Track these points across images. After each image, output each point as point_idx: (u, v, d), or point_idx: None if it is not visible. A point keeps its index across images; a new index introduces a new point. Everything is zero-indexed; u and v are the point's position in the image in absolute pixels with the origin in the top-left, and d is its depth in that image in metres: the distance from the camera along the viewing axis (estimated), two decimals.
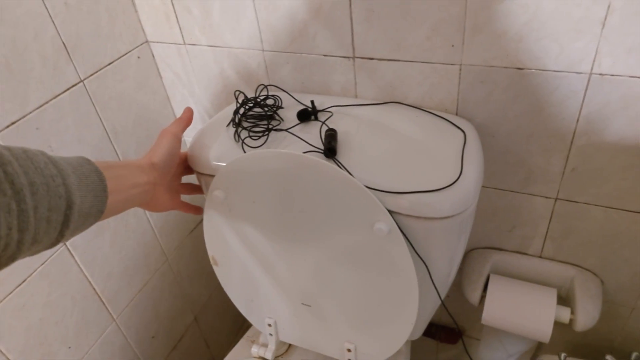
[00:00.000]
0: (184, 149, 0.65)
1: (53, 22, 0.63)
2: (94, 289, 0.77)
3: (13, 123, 0.60)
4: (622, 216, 0.65)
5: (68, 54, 0.66)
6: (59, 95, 0.66)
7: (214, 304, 1.12)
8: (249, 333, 0.81)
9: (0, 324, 0.63)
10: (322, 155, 0.58)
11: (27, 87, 0.61)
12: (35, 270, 0.66)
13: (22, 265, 0.65)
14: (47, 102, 0.64)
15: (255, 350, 0.75)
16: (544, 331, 0.68)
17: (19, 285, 0.64)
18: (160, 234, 0.90)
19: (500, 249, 0.78)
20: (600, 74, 0.54)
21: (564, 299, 0.74)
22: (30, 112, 0.62)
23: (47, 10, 0.62)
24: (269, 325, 0.73)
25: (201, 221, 1.02)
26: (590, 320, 0.68)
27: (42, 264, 0.67)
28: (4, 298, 0.62)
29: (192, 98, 0.84)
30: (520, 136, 0.64)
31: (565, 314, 0.69)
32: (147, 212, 0.86)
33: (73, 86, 0.67)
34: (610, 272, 0.72)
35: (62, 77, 0.66)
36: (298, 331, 0.72)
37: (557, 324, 0.69)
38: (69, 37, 0.66)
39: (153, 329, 0.92)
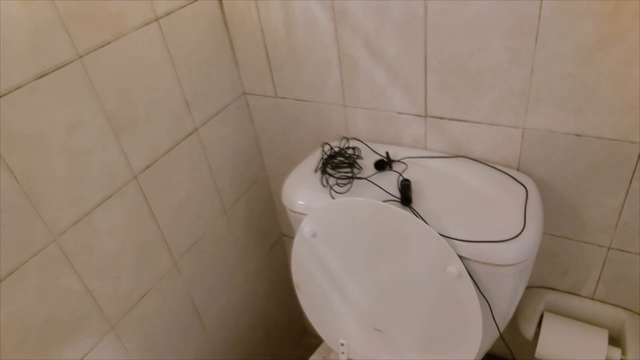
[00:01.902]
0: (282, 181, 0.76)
1: (180, 84, 0.78)
2: (193, 303, 0.90)
3: (148, 167, 0.75)
4: None
5: (188, 108, 0.80)
6: (179, 142, 0.80)
7: (281, 320, 1.24)
8: (320, 349, 0.92)
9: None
10: (400, 203, 0.68)
11: (159, 137, 0.76)
12: (152, 287, 0.80)
13: (140, 286, 0.79)
14: (171, 149, 0.79)
15: None
16: None
17: (144, 296, 0.78)
18: (243, 254, 1.03)
19: (554, 289, 0.85)
20: None
21: (615, 340, 0.80)
22: (160, 158, 0.77)
23: (177, 75, 0.77)
24: (342, 344, 0.83)
25: (275, 244, 1.14)
26: None
27: (155, 284, 0.81)
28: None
29: (278, 141, 0.97)
30: (576, 191, 0.71)
31: (616, 354, 0.75)
32: (233, 234, 0.98)
33: (190, 134, 0.82)
34: None
35: (183, 128, 0.80)
36: (367, 353, 0.82)
37: None
38: (190, 94, 0.80)
39: (232, 341, 1.05)
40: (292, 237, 1.15)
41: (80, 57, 0.62)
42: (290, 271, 1.24)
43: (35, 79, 0.58)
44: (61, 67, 0.60)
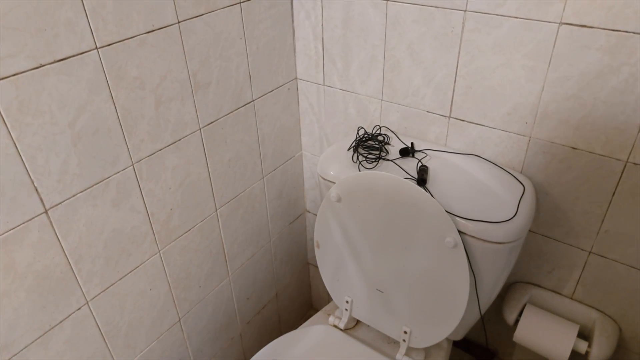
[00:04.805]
0: (315, 161, 0.90)
1: (248, 59, 0.93)
2: (224, 249, 1.04)
3: (210, 123, 0.90)
4: None
5: (250, 81, 0.95)
6: (238, 108, 0.95)
7: (292, 287, 1.37)
8: (326, 307, 1.04)
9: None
10: (416, 182, 0.81)
11: (224, 100, 0.91)
12: (195, 225, 0.94)
13: (186, 222, 0.93)
14: (231, 112, 0.94)
15: (331, 319, 0.98)
16: (563, 355, 0.85)
17: (187, 231, 0.93)
18: (271, 218, 1.17)
19: (539, 286, 0.96)
20: (634, 163, 0.73)
21: (585, 337, 0.90)
22: (222, 117, 0.92)
23: (247, 51, 0.92)
24: (347, 302, 0.96)
25: (299, 217, 1.28)
26: (602, 356, 0.84)
27: (198, 223, 0.95)
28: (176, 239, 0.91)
29: (318, 123, 1.12)
30: (568, 198, 0.83)
31: (582, 346, 0.85)
32: (267, 198, 1.13)
33: (247, 103, 0.97)
34: (628, 322, 0.88)
35: (243, 97, 0.95)
36: (368, 311, 0.94)
37: (575, 353, 0.86)
38: (253, 70, 0.95)
39: (249, 292, 1.19)
40: (314, 214, 1.29)
41: (179, 22, 0.78)
42: (306, 247, 1.38)
43: (145, 33, 0.73)
44: (164, 27, 0.76)
